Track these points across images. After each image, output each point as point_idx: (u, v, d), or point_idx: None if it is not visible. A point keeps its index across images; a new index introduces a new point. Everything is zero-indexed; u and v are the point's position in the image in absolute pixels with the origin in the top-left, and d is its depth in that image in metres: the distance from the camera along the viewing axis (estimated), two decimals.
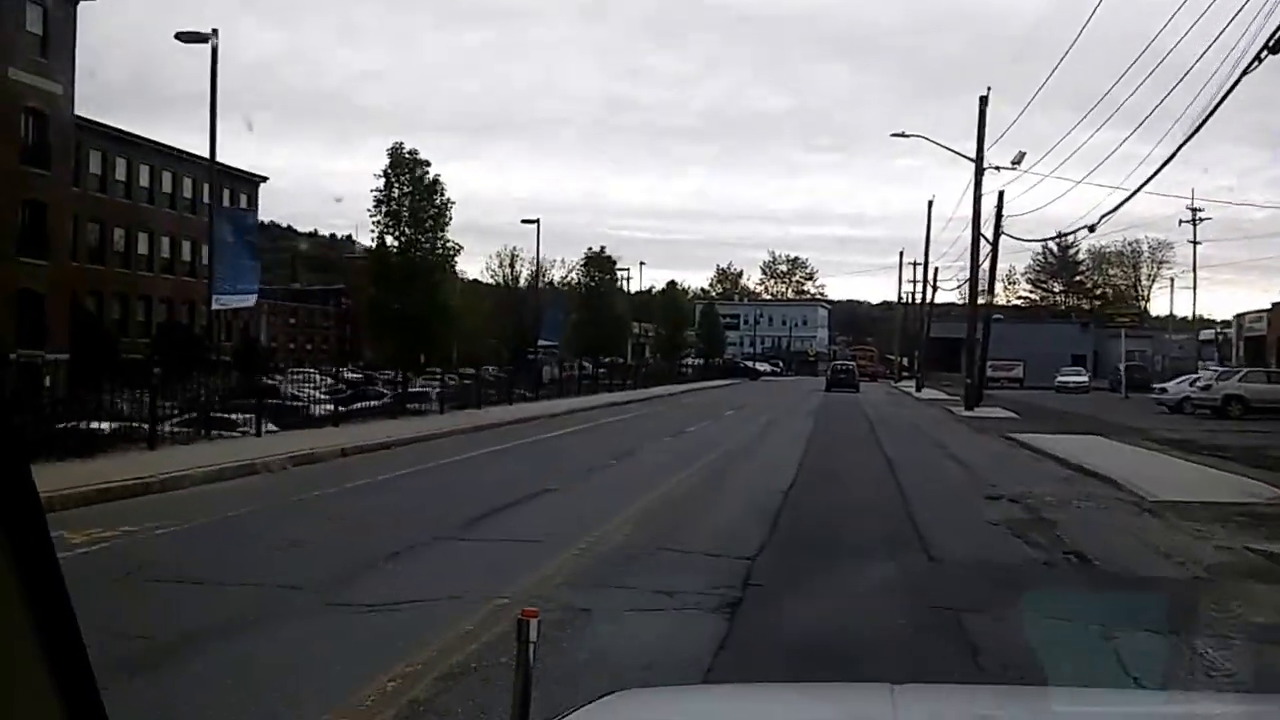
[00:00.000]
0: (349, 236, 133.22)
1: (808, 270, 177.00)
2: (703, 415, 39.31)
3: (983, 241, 44.62)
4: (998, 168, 40.39)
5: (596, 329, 55.22)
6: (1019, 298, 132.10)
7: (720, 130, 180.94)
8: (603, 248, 57.05)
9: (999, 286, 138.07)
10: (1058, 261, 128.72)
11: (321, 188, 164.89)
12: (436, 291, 35.47)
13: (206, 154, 25.09)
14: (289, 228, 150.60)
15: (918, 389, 68.24)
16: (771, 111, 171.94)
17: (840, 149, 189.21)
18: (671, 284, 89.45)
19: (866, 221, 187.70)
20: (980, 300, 48.12)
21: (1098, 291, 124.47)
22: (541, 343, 57.85)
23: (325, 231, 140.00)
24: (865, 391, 71.29)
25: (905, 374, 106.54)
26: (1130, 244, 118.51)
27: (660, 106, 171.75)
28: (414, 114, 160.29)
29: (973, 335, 47.64)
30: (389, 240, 33.95)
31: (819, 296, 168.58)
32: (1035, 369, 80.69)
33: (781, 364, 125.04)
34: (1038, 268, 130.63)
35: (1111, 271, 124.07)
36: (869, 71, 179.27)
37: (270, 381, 29.33)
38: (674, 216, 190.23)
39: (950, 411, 45.99)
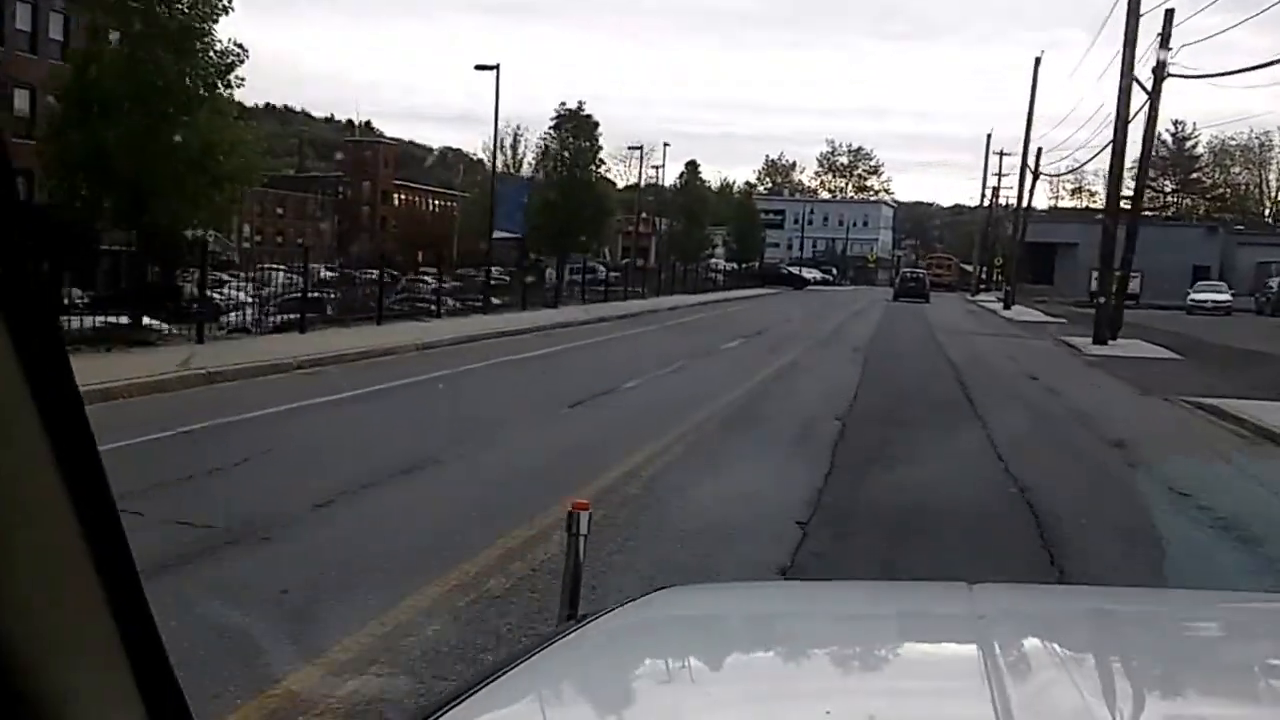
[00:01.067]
0: (367, 123, 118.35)
1: (872, 163, 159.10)
2: (679, 353, 24.57)
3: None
4: None
5: (569, 216, 40.22)
6: (1122, 197, 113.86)
7: (784, 15, 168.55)
8: (580, 104, 41.32)
9: (1096, 183, 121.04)
10: (1171, 155, 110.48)
11: (346, 70, 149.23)
12: None
13: None
14: (303, 111, 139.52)
15: (1005, 306, 52.14)
16: None
17: (913, 36, 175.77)
18: (692, 165, 72.69)
19: (939, 117, 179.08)
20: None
21: (1216, 191, 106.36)
22: (497, 234, 43.05)
23: (342, 117, 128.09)
24: (937, 305, 55.92)
25: (983, 286, 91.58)
26: (1259, 136, 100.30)
27: None
28: None
29: (1110, 239, 32.07)
30: None
31: (884, 194, 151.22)
32: (1152, 283, 64.07)
33: (835, 270, 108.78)
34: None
35: (1235, 169, 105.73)
36: None
37: (182, 282, 22.08)
38: (730, 108, 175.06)
39: (1070, 346, 30.66)
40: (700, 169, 72.93)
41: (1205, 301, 53.86)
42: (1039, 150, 54.23)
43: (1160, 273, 64.38)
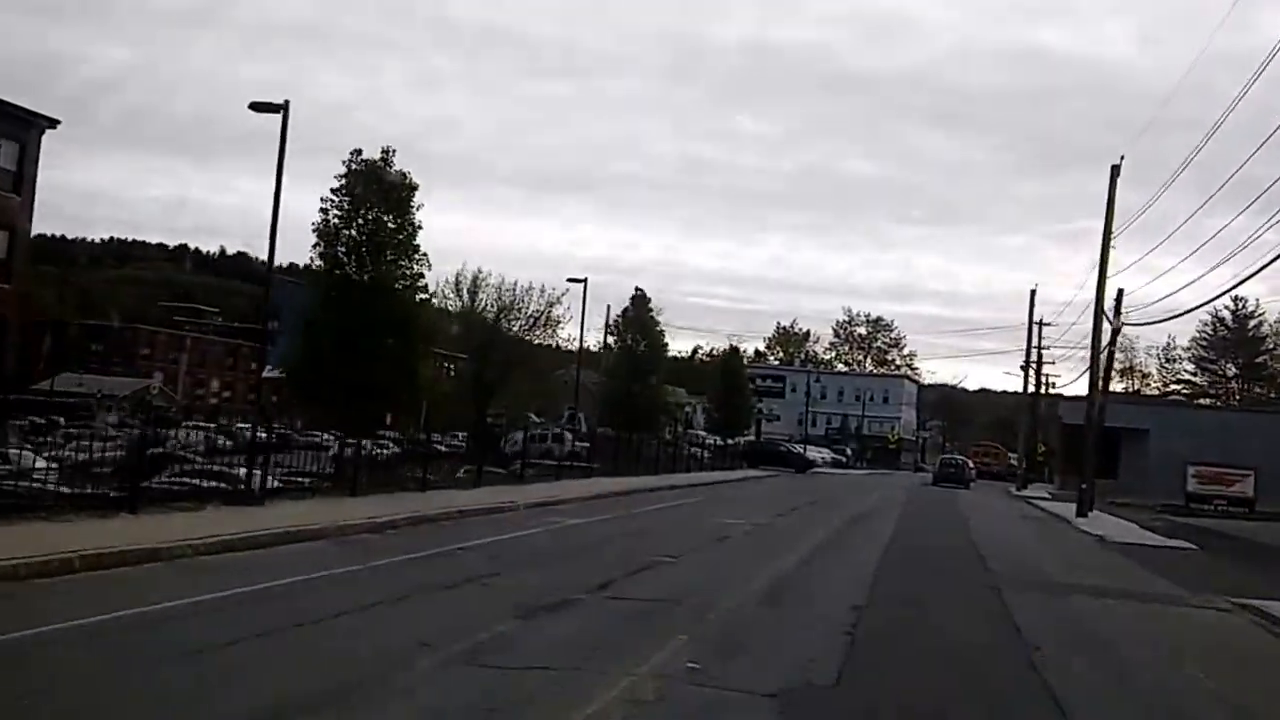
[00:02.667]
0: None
1: (893, 335, 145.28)
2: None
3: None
4: None
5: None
6: (1178, 381, 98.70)
7: (805, 197, 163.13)
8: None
9: (1150, 366, 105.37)
10: (1233, 335, 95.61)
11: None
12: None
13: None
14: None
15: (1080, 511, 35.96)
16: (861, 179, 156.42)
17: (935, 222, 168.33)
18: (638, 297, 57.33)
19: (963, 301, 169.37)
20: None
21: None
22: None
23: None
24: (982, 504, 40.60)
25: (1013, 473, 78.23)
26: None
27: (741, 170, 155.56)
28: (483, 167, 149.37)
29: None
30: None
31: (906, 369, 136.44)
32: (1273, 481, 48.04)
33: (850, 451, 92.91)
34: (1204, 343, 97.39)
35: None
36: (970, 142, 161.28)
37: None
38: (751, 285, 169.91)
39: None
40: (650, 302, 56.98)
41: None
42: (1118, 295, 38.79)
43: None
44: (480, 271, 52.53)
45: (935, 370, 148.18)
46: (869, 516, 30.31)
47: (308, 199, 25.96)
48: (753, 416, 63.58)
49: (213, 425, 41.62)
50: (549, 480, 33.16)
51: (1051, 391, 77.68)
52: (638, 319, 54.52)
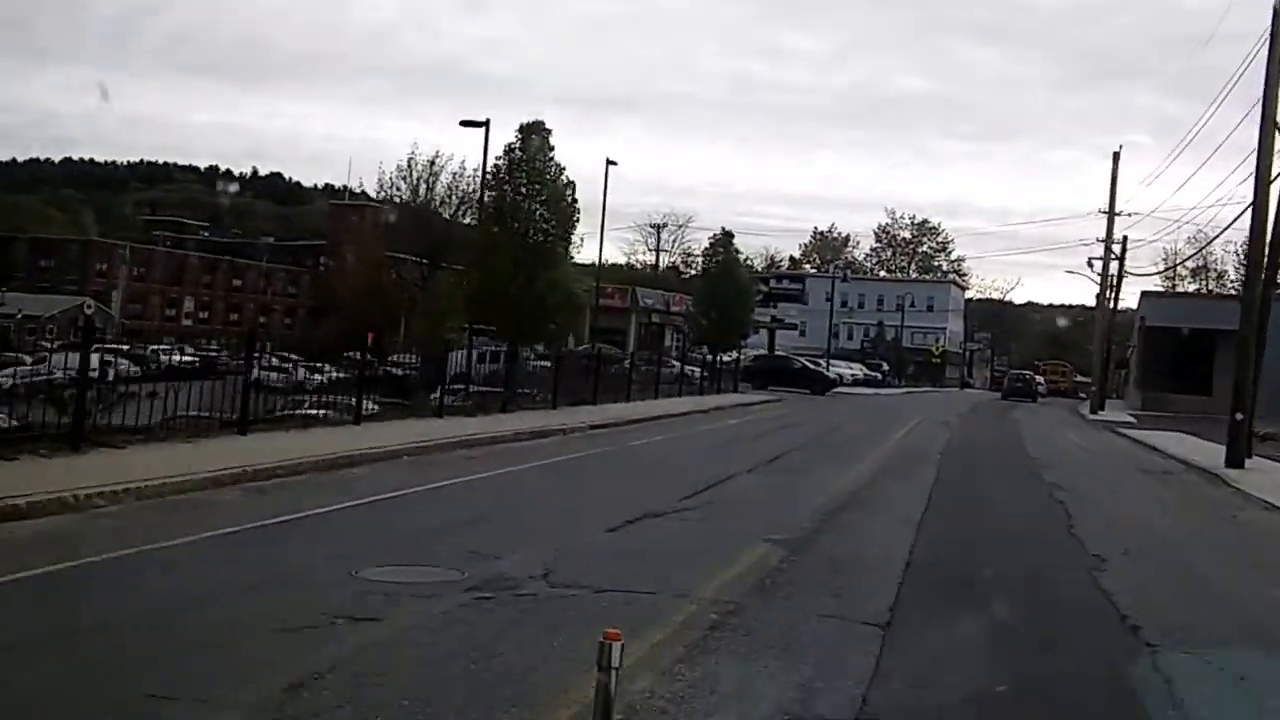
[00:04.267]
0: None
1: (940, 239, 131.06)
2: None
3: None
4: None
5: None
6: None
7: (856, 115, 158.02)
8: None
9: (1227, 264, 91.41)
10: None
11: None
12: None
13: None
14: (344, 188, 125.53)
15: (1234, 457, 22.73)
16: (912, 95, 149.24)
17: (984, 138, 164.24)
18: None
19: (1011, 215, 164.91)
20: None
21: None
22: None
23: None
24: (1070, 456, 27.62)
25: (1080, 391, 71.41)
26: None
27: (793, 88, 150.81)
28: (532, 86, 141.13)
29: None
30: None
31: (954, 276, 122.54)
32: None
33: (886, 365, 79.95)
34: None
35: None
36: (1019, 57, 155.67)
37: None
38: (803, 203, 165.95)
39: None
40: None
41: None
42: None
43: None
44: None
45: (983, 277, 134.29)
46: (882, 480, 17.75)
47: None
48: (752, 324, 50.60)
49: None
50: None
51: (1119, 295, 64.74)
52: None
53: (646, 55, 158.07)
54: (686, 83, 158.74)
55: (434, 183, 53.97)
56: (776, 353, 57.77)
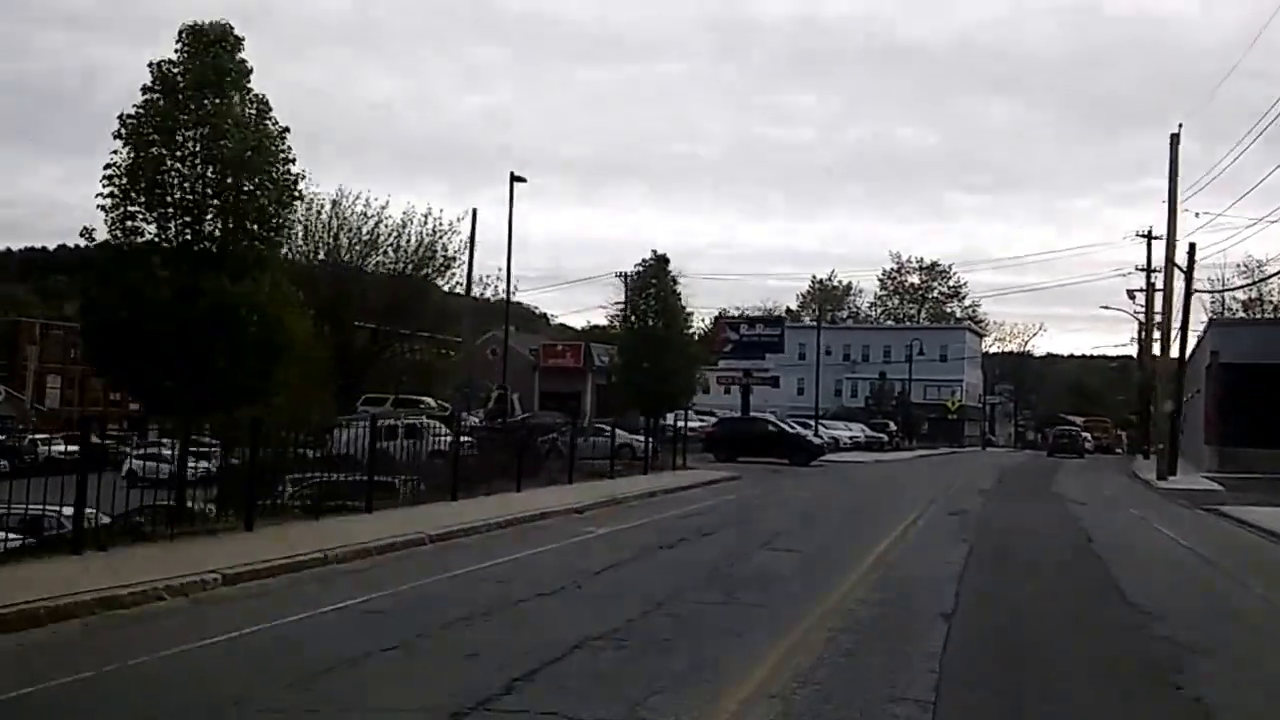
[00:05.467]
0: None
1: (951, 283, 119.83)
2: None
3: None
4: None
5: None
6: None
7: (863, 171, 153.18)
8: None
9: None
10: None
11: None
12: None
13: None
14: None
15: None
16: (921, 150, 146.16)
17: (997, 189, 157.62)
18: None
19: (1027, 267, 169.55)
20: None
21: None
22: None
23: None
24: (1134, 530, 15.65)
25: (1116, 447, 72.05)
26: None
27: (797, 147, 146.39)
28: (534, 155, 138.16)
29: None
30: None
31: (969, 322, 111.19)
32: None
33: (893, 425, 68.34)
34: None
35: None
36: (1028, 107, 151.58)
37: None
38: (810, 261, 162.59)
39: None
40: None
41: None
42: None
43: None
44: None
45: (1000, 322, 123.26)
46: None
47: None
48: (696, 381, 38.84)
49: None
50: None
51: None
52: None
53: (648, 120, 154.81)
54: (689, 145, 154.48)
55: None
56: (752, 414, 46.06)
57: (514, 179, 38.44)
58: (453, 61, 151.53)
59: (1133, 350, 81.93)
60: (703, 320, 46.55)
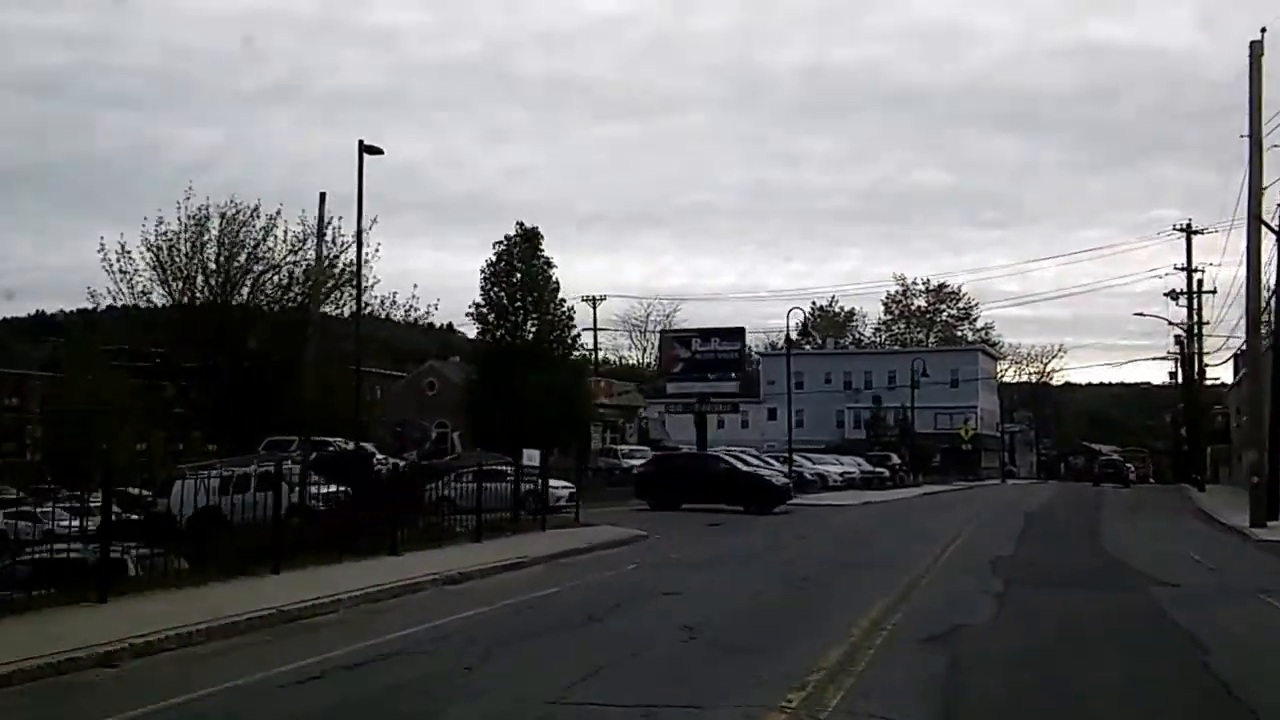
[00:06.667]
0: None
1: (961, 303, 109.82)
2: None
3: None
4: None
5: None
6: None
7: (876, 211, 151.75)
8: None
9: None
10: None
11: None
12: None
13: None
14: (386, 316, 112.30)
15: None
16: (932, 188, 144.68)
17: (1008, 224, 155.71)
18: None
19: (1039, 301, 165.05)
20: None
21: None
22: None
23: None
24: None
25: (1196, 476, 54.99)
26: None
27: (811, 191, 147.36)
28: (557, 209, 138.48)
29: None
30: None
31: (982, 343, 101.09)
32: None
33: (896, 459, 58.28)
34: None
35: None
36: (1037, 143, 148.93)
37: None
38: (828, 298, 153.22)
39: None
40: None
41: None
42: None
43: None
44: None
45: (1017, 345, 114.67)
46: None
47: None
48: (593, 412, 28.22)
49: None
50: None
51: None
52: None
53: (666, 171, 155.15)
54: (707, 194, 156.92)
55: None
56: (702, 450, 36.03)
57: (364, 148, 28.73)
58: (476, 122, 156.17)
59: (1158, 375, 77.95)
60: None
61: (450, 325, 75.95)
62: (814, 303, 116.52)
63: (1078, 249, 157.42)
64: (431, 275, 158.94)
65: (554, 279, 25.11)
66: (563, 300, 24.93)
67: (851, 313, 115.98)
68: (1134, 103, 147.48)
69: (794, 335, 70.19)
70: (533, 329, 24.19)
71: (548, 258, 25.12)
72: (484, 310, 25.06)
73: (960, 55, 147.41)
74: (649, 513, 31.11)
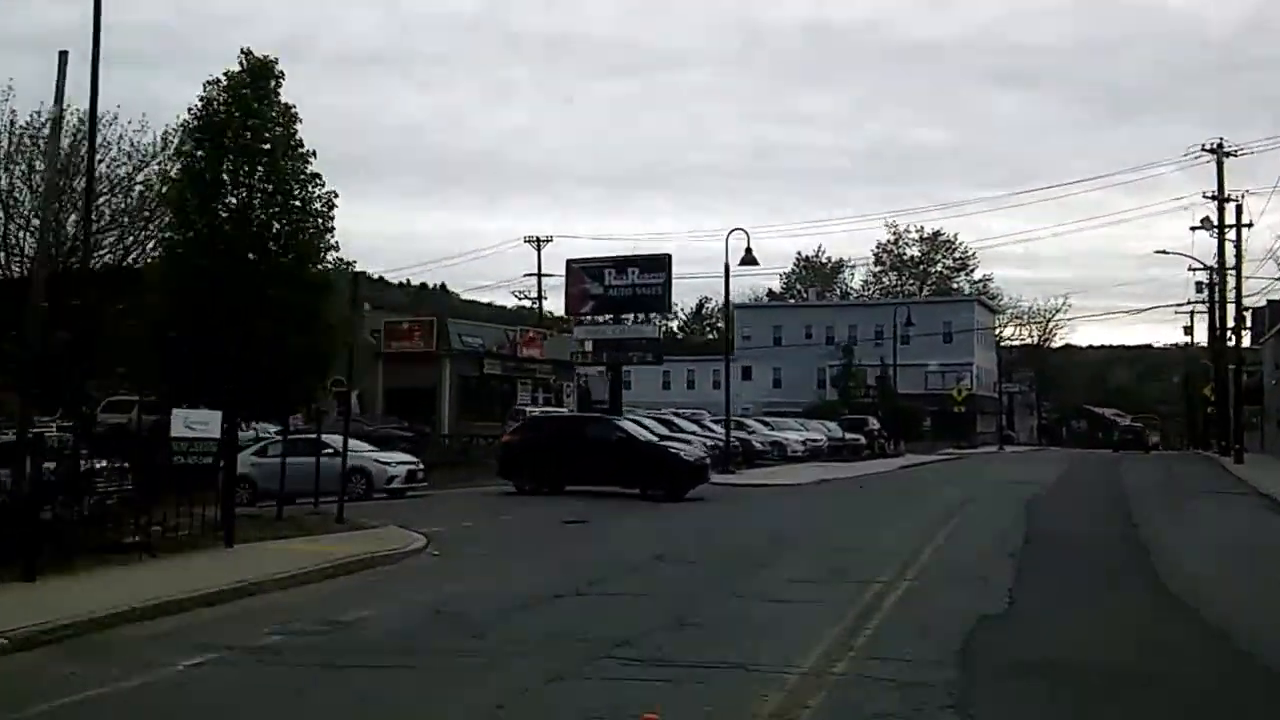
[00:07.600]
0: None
1: (957, 254, 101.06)
2: None
3: None
4: None
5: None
6: None
7: (876, 170, 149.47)
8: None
9: None
10: None
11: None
12: None
13: None
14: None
15: None
16: (933, 147, 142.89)
17: (1010, 184, 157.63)
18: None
19: (1041, 262, 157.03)
20: None
21: None
22: None
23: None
24: None
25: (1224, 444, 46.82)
26: None
27: (812, 150, 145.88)
28: (560, 171, 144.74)
29: None
30: None
31: (979, 295, 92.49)
32: None
33: (875, 423, 49.79)
34: None
35: None
36: (1039, 100, 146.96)
37: None
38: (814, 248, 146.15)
39: None
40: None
41: None
42: None
43: None
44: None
45: (1019, 299, 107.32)
46: None
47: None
48: (342, 338, 19.28)
49: None
50: None
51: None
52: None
53: (667, 131, 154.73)
54: (707, 154, 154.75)
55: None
56: (589, 413, 27.56)
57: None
58: (478, 81, 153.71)
59: (1163, 335, 71.83)
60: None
61: None
62: (799, 253, 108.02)
63: (1080, 208, 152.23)
64: (435, 239, 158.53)
65: (299, 140, 16.47)
66: (317, 178, 16.35)
67: (840, 263, 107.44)
68: (1134, 58, 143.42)
69: (737, 265, 60.87)
70: (261, 219, 15.52)
71: (290, 106, 16.42)
72: (180, 186, 16.45)
73: (960, 10, 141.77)
74: (511, 498, 22.73)
